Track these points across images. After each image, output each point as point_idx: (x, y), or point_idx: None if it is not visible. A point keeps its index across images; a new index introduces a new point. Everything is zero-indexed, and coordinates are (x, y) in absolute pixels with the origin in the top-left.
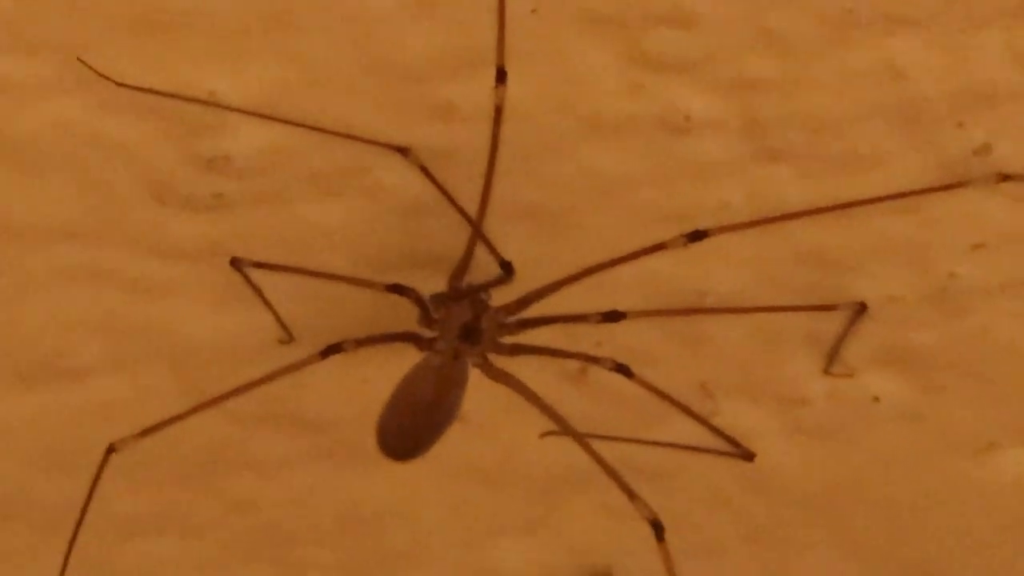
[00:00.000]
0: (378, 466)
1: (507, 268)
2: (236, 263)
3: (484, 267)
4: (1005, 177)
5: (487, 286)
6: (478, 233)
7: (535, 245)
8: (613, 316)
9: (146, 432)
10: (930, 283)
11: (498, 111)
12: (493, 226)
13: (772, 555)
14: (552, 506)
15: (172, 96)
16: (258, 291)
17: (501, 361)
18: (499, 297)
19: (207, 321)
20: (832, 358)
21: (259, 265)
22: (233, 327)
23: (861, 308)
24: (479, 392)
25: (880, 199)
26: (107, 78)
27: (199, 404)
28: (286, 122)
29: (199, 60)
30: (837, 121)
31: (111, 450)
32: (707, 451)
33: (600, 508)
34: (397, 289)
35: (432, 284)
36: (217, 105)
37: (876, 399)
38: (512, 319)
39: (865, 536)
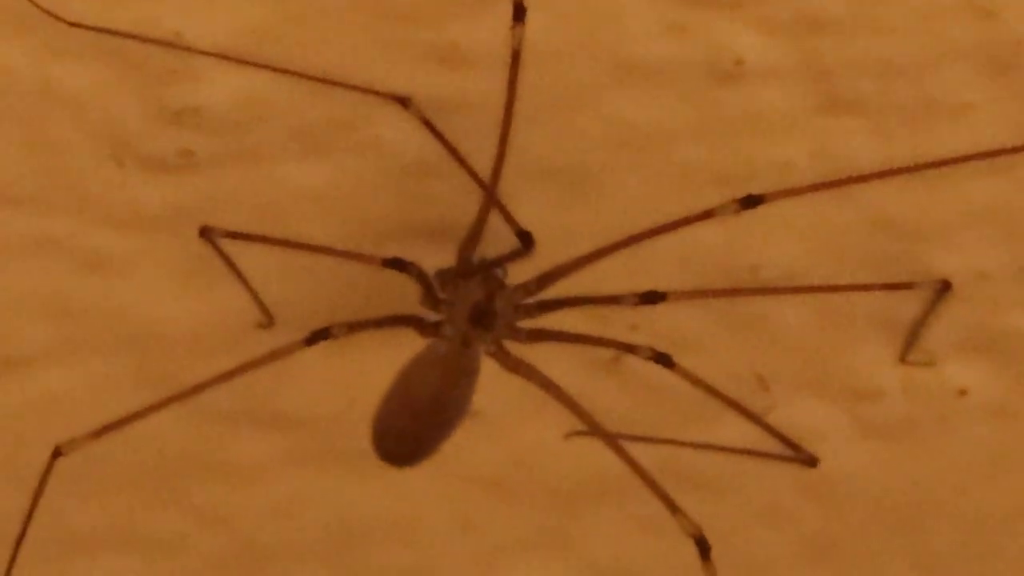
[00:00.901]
0: (373, 472)
1: (525, 239)
2: (207, 233)
3: (499, 238)
4: None
5: (502, 260)
6: (491, 198)
7: (558, 212)
8: (651, 297)
9: (100, 432)
10: None
11: (515, 55)
12: (509, 189)
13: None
14: (577, 518)
15: (132, 37)
16: (232, 266)
17: (519, 349)
18: (516, 274)
19: (173, 301)
20: (910, 344)
21: (234, 235)
22: (203, 308)
23: (944, 286)
24: (492, 385)
25: (966, 158)
26: (56, 16)
27: (163, 399)
28: (265, 68)
29: None
30: (915, 66)
31: (57, 453)
32: (762, 455)
33: (634, 521)
34: (396, 264)
35: (438, 258)
36: (185, 48)
37: (962, 392)
38: (532, 300)
39: (947, 554)
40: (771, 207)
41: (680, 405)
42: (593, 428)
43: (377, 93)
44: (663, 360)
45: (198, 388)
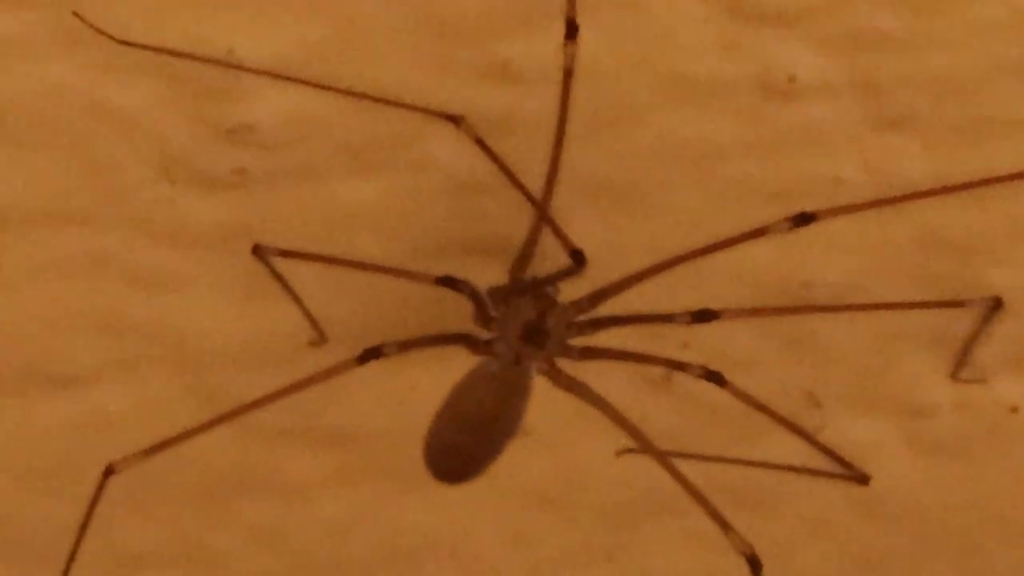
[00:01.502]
0: (426, 489)
1: (578, 257)
2: (259, 251)
3: (551, 256)
4: None
5: (554, 279)
6: (543, 216)
7: (610, 230)
8: (704, 316)
9: (152, 450)
10: None
11: (568, 72)
12: (561, 207)
13: None
14: (629, 535)
15: (184, 56)
16: (285, 284)
17: (570, 367)
18: (568, 291)
19: (225, 319)
20: (962, 361)
21: (286, 254)
22: (256, 326)
23: (996, 304)
24: (544, 403)
25: (1019, 175)
26: (107, 35)
27: (215, 417)
28: (318, 86)
29: (215, 13)
30: (967, 82)
31: (109, 471)
32: (813, 472)
33: (685, 538)
34: (448, 282)
35: (490, 276)
36: (237, 67)
37: (1014, 409)
38: (584, 317)
39: (1000, 571)
40: (824, 225)
41: (731, 423)
42: (644, 446)
43: (429, 112)
44: (714, 378)
45: (250, 406)
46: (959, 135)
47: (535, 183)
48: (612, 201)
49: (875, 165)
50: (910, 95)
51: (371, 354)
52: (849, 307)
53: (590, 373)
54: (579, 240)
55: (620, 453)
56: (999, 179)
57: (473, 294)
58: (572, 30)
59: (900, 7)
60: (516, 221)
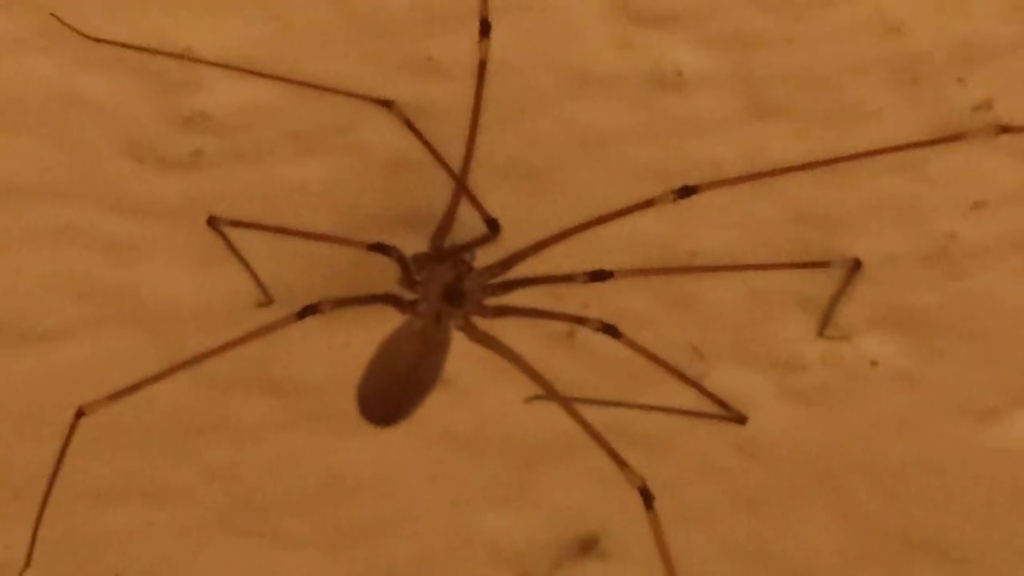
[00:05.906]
0: (358, 432)
1: (493, 225)
2: (213, 222)
3: (469, 226)
4: (1004, 129)
5: (471, 246)
6: (462, 188)
7: (520, 203)
8: (600, 275)
9: (118, 394)
10: (929, 242)
11: (482, 64)
12: (478, 184)
13: (765, 522)
14: (537, 473)
15: (148, 51)
16: (236, 251)
17: (485, 324)
18: (484, 257)
19: (183, 282)
20: (827, 320)
21: (237, 224)
22: (210, 289)
23: (856, 265)
24: (462, 356)
25: (876, 151)
26: (81, 34)
27: (173, 366)
28: (265, 77)
29: (175, 14)
30: (832, 76)
31: (80, 414)
32: (698, 415)
33: (587, 475)
34: (379, 248)
35: (416, 244)
36: (194, 60)
37: (873, 363)
38: (496, 280)
39: (860, 503)
40: (706, 201)
41: (626, 372)
42: (550, 393)
43: (364, 97)
44: (610, 331)
45: (204, 356)
46: (824, 122)
47: (456, 161)
48: (524, 178)
49: (752, 148)
50: (782, 87)
51: (309, 310)
52: (728, 268)
53: (503, 329)
54: (494, 212)
55: (528, 400)
56: (858, 155)
57: (400, 259)
58: (485, 28)
59: (774, 10)
60: (439, 195)
